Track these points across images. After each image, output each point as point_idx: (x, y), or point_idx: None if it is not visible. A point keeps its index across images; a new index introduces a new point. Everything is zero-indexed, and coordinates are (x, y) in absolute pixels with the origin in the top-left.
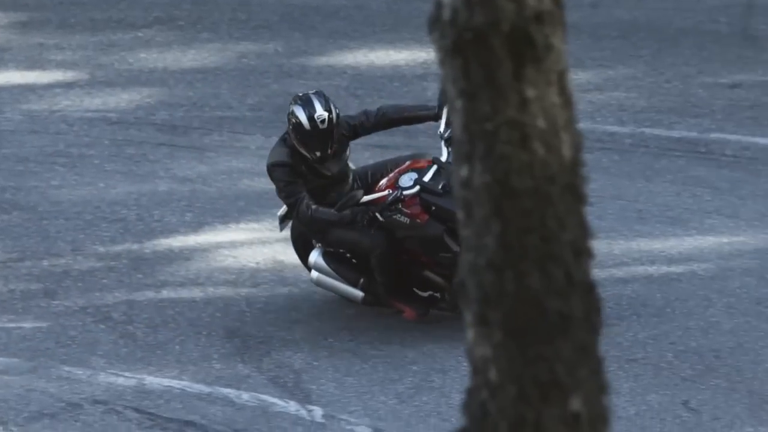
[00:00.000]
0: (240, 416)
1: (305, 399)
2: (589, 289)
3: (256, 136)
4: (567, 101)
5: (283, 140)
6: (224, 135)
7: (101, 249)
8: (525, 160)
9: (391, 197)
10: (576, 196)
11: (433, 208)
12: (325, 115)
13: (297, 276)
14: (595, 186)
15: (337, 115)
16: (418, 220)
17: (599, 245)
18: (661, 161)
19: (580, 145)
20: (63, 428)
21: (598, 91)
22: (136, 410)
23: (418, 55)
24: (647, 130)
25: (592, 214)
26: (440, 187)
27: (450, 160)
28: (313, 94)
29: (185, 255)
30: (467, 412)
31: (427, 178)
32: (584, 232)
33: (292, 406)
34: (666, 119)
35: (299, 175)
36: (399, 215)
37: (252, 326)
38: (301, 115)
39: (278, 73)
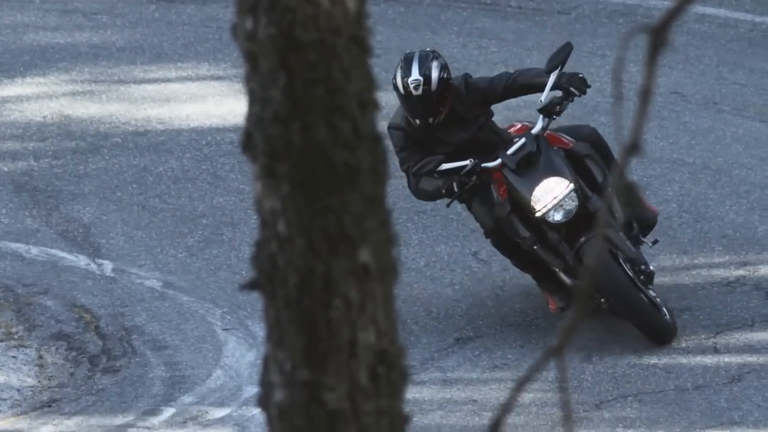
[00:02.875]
0: (29, 271)
1: (95, 253)
2: (375, 140)
3: None
4: None
5: None
6: None
7: None
8: (310, 12)
9: (468, 167)
10: (361, 48)
11: (509, 186)
12: (420, 80)
13: (83, 130)
14: (381, 38)
15: (441, 80)
16: (502, 197)
17: (386, 97)
18: (447, 13)
19: None
20: None
21: None
22: None
23: None
24: None
25: (378, 66)
26: (516, 163)
27: (539, 131)
28: (418, 53)
29: None
30: (257, 265)
31: (510, 150)
32: (370, 84)
33: (81, 260)
34: None
35: (415, 141)
36: (493, 190)
37: (40, 180)
38: (397, 77)
39: None
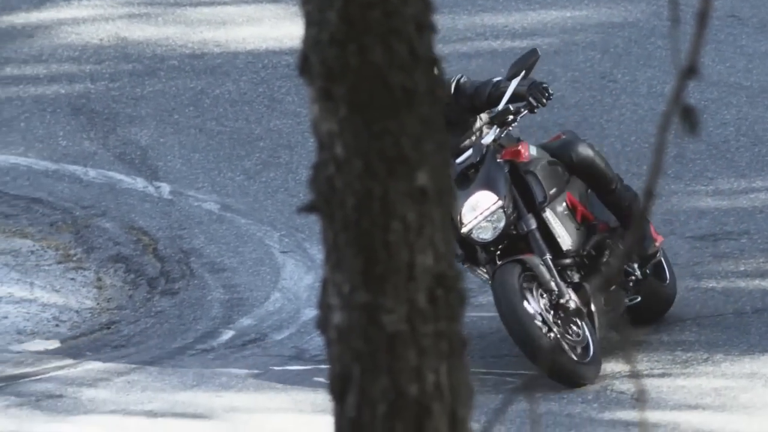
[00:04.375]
0: (87, 193)
1: (152, 176)
2: (432, 63)
3: None
4: None
5: None
6: None
7: None
8: None
9: None
10: None
11: None
12: None
13: (140, 52)
14: None
15: None
16: None
17: (443, 20)
18: None
19: None
20: None
21: None
22: None
23: None
24: None
25: None
26: (456, 173)
27: (489, 141)
28: None
29: (28, 32)
30: (314, 188)
31: (459, 159)
32: (427, 6)
33: (139, 183)
34: None
35: None
36: None
37: (97, 103)
38: None
39: None
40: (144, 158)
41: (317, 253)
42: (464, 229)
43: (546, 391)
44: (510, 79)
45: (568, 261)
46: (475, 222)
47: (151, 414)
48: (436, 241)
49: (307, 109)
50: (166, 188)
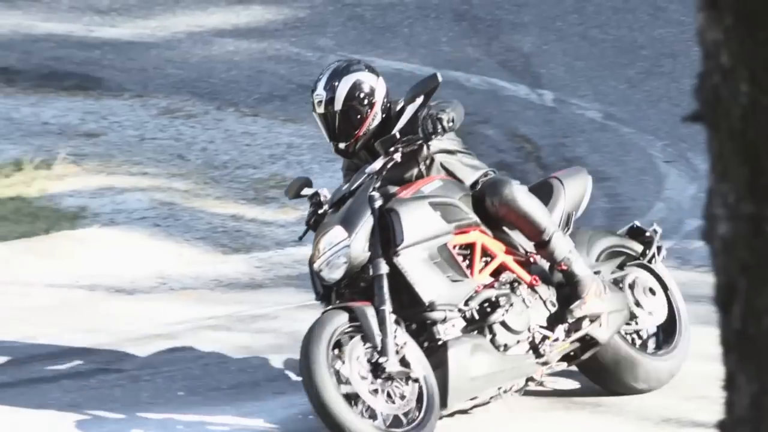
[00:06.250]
0: (470, 100)
1: (535, 83)
2: None
3: None
4: None
5: None
6: None
7: None
8: None
9: (309, 195)
10: None
11: None
12: (322, 96)
13: None
14: None
15: (350, 99)
16: None
17: None
18: None
19: None
20: (293, 110)
21: None
22: None
23: None
24: None
25: None
26: (331, 202)
27: (374, 170)
28: (336, 64)
29: None
30: (700, 97)
31: (345, 187)
32: None
33: (521, 90)
34: None
35: (354, 170)
36: None
37: (480, 9)
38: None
39: None
40: (527, 65)
41: (701, 163)
42: (315, 266)
43: None
44: (407, 103)
45: (436, 315)
46: (323, 258)
47: None
48: None
49: (692, 18)
50: (549, 95)
